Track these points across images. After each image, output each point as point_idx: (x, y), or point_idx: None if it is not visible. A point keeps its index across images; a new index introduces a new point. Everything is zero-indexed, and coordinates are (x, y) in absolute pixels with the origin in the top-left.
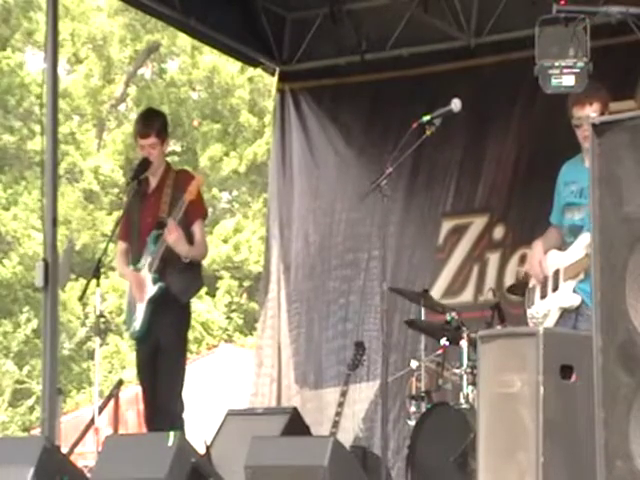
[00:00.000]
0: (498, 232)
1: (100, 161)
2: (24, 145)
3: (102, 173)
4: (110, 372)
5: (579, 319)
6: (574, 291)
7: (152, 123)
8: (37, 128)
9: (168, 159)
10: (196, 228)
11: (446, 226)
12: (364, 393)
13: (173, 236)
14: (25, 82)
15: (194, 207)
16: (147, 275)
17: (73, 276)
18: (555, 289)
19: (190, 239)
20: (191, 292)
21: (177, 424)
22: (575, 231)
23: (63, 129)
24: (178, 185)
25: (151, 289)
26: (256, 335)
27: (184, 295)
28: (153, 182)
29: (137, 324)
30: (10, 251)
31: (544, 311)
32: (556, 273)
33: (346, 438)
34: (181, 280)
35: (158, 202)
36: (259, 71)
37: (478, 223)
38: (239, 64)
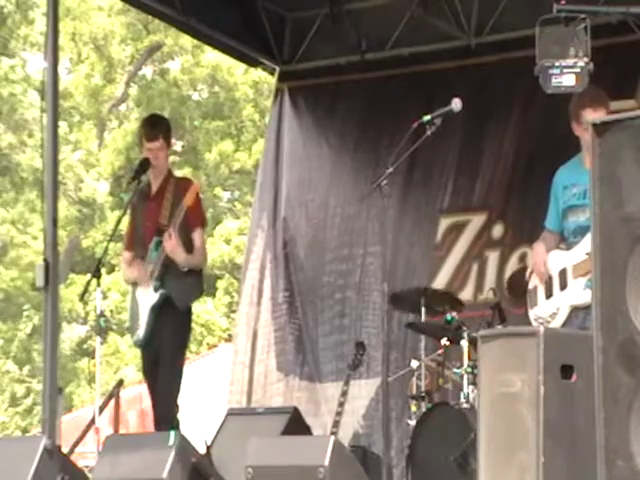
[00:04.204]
0: (497, 230)
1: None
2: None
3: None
4: (115, 373)
5: (587, 318)
6: (584, 288)
7: (159, 127)
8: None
9: (169, 159)
10: (196, 235)
11: (444, 223)
12: (364, 390)
13: (171, 245)
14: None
15: (194, 214)
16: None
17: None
18: (563, 288)
19: (190, 246)
20: (190, 299)
21: (173, 424)
22: (581, 232)
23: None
24: (178, 192)
25: (153, 296)
26: (232, 324)
27: (183, 301)
28: (154, 186)
29: (141, 332)
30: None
31: (552, 310)
32: (563, 272)
33: (345, 434)
34: (180, 286)
35: (159, 208)
36: (263, 74)
37: (476, 221)
38: (242, 64)
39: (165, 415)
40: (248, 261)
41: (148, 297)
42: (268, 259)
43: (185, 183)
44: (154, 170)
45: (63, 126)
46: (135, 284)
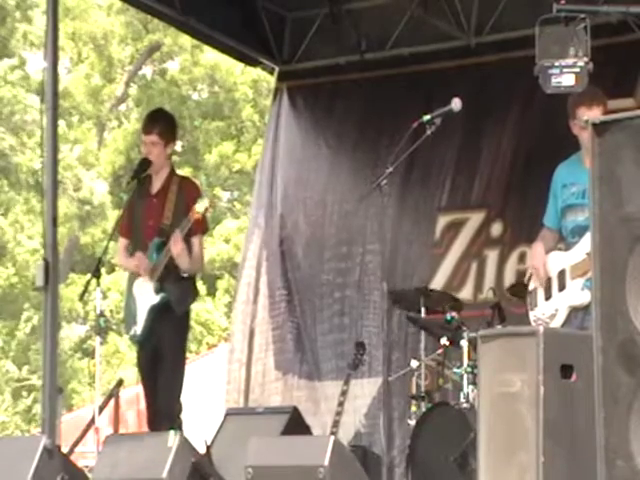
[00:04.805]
0: (496, 229)
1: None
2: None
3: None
4: (116, 372)
5: (587, 318)
6: (582, 289)
7: (157, 121)
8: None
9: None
10: (195, 241)
11: (442, 221)
12: (366, 389)
13: (178, 248)
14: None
15: (197, 223)
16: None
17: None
18: (562, 289)
19: (188, 250)
20: (187, 303)
21: (175, 425)
22: (579, 232)
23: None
24: (182, 195)
25: (154, 298)
26: (229, 322)
27: (180, 305)
28: (157, 183)
29: (138, 329)
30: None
31: (551, 311)
32: (561, 273)
33: (347, 434)
34: (178, 290)
35: (161, 208)
36: (262, 72)
37: (475, 219)
38: (241, 63)
39: (166, 413)
40: (245, 259)
41: (147, 296)
42: (264, 257)
43: (192, 189)
44: (153, 166)
45: (62, 126)
46: (131, 278)
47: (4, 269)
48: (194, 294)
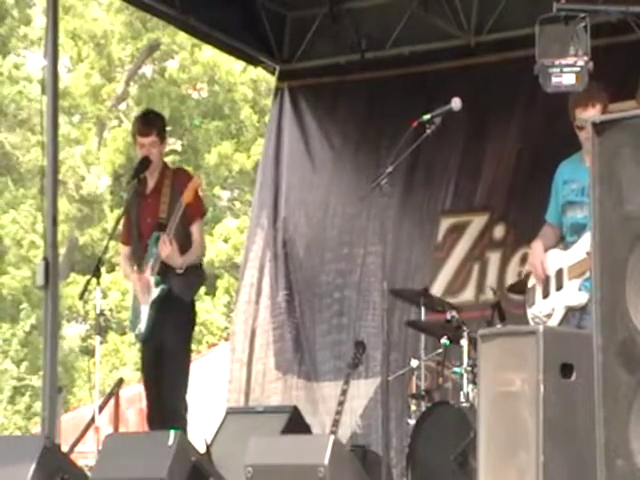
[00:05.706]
0: (498, 231)
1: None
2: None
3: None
4: (111, 371)
5: (584, 317)
6: (580, 289)
7: (153, 122)
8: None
9: (169, 158)
10: (194, 228)
11: (445, 224)
12: (362, 389)
13: (166, 251)
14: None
15: (192, 207)
16: (150, 278)
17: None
18: (559, 288)
19: (188, 240)
20: (193, 289)
21: (180, 424)
22: (578, 229)
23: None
24: (176, 185)
25: (154, 291)
26: (230, 322)
27: (186, 294)
28: (151, 182)
29: (142, 326)
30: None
31: (548, 310)
32: (559, 272)
33: (343, 434)
34: (182, 279)
35: (157, 203)
36: (262, 72)
37: (478, 222)
38: (240, 62)
39: (170, 411)
40: (247, 260)
41: (150, 293)
42: (267, 258)
43: (183, 177)
44: (152, 166)
45: (64, 125)
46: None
47: (17, 270)
48: (200, 279)
